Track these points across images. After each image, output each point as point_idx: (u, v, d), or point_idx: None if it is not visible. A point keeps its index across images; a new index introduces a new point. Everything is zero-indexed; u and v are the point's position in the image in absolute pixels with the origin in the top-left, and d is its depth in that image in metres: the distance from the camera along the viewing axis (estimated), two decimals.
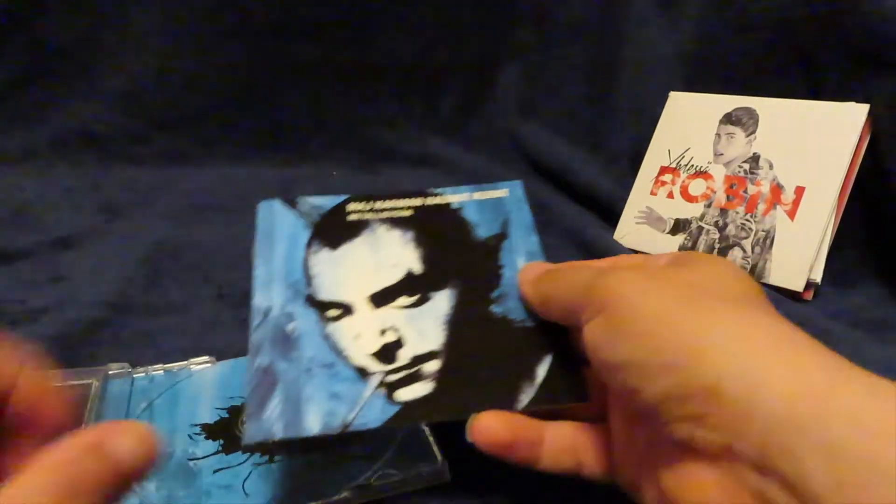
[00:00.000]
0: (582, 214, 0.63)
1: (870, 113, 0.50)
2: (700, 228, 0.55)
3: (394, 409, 0.30)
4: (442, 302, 0.34)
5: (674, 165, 0.58)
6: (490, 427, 0.29)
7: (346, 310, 0.34)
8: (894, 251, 0.51)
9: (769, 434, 0.20)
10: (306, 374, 0.31)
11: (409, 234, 0.37)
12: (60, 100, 0.73)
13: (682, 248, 0.55)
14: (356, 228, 0.38)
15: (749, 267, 0.51)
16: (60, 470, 0.22)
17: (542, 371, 0.31)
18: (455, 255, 0.36)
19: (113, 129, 0.74)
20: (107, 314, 0.46)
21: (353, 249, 0.37)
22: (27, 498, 0.20)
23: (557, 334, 0.32)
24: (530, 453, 0.30)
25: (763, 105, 0.55)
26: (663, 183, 0.58)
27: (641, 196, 0.59)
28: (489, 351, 0.32)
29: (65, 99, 0.73)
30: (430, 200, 0.39)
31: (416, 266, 0.36)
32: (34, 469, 0.21)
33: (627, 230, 0.59)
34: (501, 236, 0.37)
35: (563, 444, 0.30)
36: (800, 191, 0.51)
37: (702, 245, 0.54)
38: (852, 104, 0.51)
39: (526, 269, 0.34)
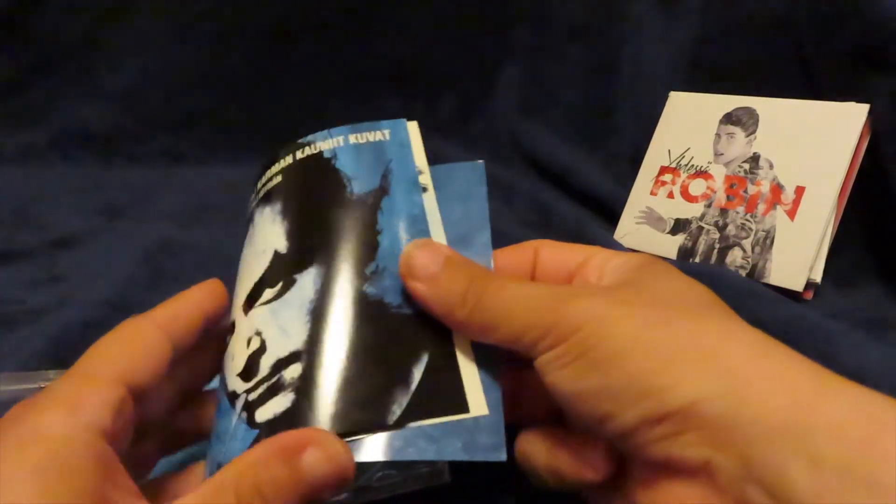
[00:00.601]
0: (582, 214, 0.63)
1: (870, 113, 0.50)
2: (700, 228, 0.55)
3: (253, 435, 0.25)
4: (307, 285, 0.28)
5: (674, 165, 0.58)
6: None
7: (232, 328, 0.29)
8: (894, 251, 0.51)
9: (752, 447, 0.20)
10: (212, 424, 0.28)
11: (277, 206, 0.31)
12: (60, 100, 0.73)
13: (682, 248, 0.55)
14: (248, 225, 0.32)
15: (749, 267, 0.51)
16: (249, 471, 0.22)
17: (417, 373, 0.26)
18: (324, 221, 0.29)
19: (113, 129, 0.74)
20: (107, 314, 0.46)
21: (244, 253, 0.31)
22: (212, 496, 0.22)
23: (438, 325, 0.27)
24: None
25: (763, 105, 0.55)
26: (663, 183, 0.58)
27: (641, 196, 0.59)
28: (359, 346, 0.26)
29: (65, 99, 0.73)
30: (301, 153, 0.31)
31: (281, 244, 0.29)
32: (225, 468, 0.23)
33: (628, 230, 0.59)
34: (380, 192, 0.30)
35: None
36: (800, 191, 0.51)
37: (702, 245, 0.54)
38: (852, 104, 0.51)
39: (415, 254, 0.28)
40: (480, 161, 0.33)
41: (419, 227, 0.29)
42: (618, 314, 0.24)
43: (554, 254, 0.31)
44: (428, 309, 0.27)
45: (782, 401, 0.20)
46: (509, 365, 0.28)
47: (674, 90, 0.61)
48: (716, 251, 0.53)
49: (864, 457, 0.19)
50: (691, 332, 0.23)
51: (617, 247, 0.57)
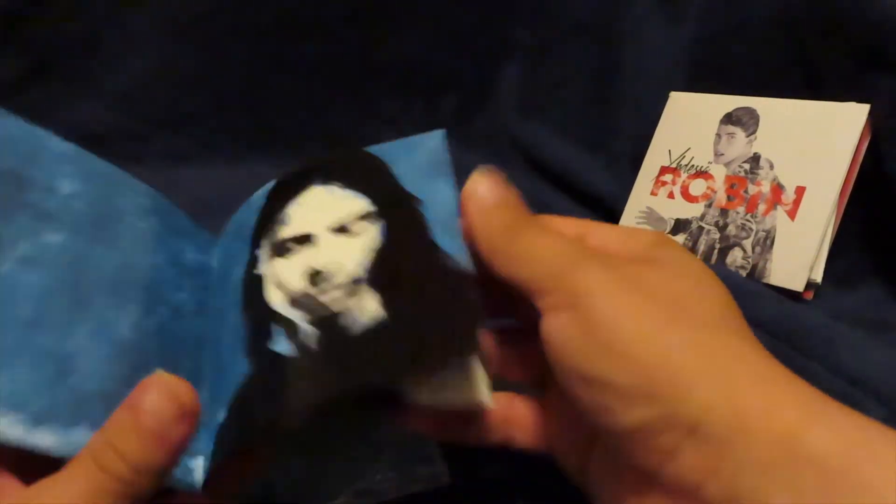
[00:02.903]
0: (582, 215, 0.63)
1: (870, 113, 0.50)
2: (701, 228, 0.55)
3: None
4: None
5: (674, 165, 0.58)
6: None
7: None
8: (895, 251, 0.51)
9: (741, 476, 0.20)
10: None
11: None
12: (60, 100, 0.73)
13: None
14: None
15: (749, 267, 0.51)
16: (100, 431, 0.23)
17: None
18: None
19: (113, 129, 0.74)
20: None
21: None
22: (74, 467, 0.23)
23: None
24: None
25: (763, 105, 0.55)
26: (664, 183, 0.58)
27: (642, 196, 0.59)
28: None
29: (65, 99, 0.73)
30: None
31: None
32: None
33: None
34: None
35: (495, 417, 0.29)
36: (800, 191, 0.51)
37: (702, 245, 0.54)
38: (852, 104, 0.51)
39: (480, 181, 0.28)
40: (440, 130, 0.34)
41: None
42: (629, 301, 0.23)
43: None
44: (473, 230, 0.27)
45: (774, 432, 0.20)
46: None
47: (674, 90, 0.61)
48: (716, 251, 0.53)
49: (843, 487, 0.19)
50: (702, 344, 0.22)
51: None
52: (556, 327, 0.24)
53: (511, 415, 0.29)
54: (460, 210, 0.28)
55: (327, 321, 0.28)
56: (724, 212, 0.54)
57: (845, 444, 0.20)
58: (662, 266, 0.25)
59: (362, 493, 0.30)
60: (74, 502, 0.22)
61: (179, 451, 0.23)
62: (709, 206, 0.55)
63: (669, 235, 0.29)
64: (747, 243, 0.52)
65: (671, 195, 0.57)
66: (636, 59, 0.67)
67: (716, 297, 0.25)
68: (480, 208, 0.27)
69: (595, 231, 0.28)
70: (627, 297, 0.23)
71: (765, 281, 0.50)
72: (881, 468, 0.19)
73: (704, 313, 0.24)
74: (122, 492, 0.22)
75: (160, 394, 0.23)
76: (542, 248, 0.25)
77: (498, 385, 0.29)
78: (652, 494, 0.23)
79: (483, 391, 0.28)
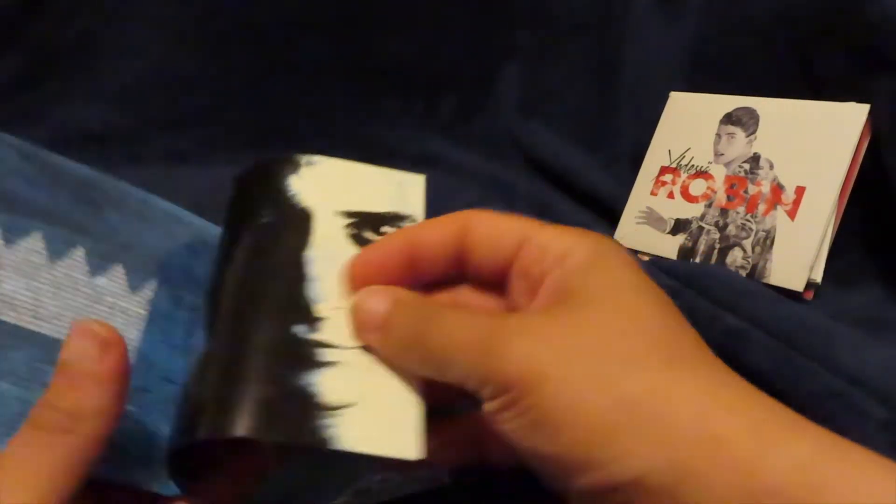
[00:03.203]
0: (582, 214, 0.63)
1: (870, 113, 0.50)
2: (700, 228, 0.55)
3: None
4: None
5: (674, 165, 0.58)
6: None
7: None
8: (895, 251, 0.51)
9: None
10: None
11: None
12: (60, 100, 0.73)
13: (682, 248, 0.55)
14: None
15: (749, 267, 0.51)
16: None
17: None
18: None
19: (113, 129, 0.74)
20: None
21: None
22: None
23: None
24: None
25: (763, 105, 0.55)
26: (664, 183, 0.58)
27: (642, 196, 0.59)
28: None
29: (65, 99, 0.73)
30: None
31: None
32: None
33: (628, 230, 0.59)
34: None
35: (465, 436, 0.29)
36: (800, 191, 0.51)
37: (702, 245, 0.54)
38: (852, 104, 0.51)
39: (363, 302, 0.26)
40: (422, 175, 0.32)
41: None
42: (556, 371, 0.23)
43: (487, 232, 0.28)
44: (381, 351, 0.26)
45: (725, 470, 0.21)
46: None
47: (674, 90, 0.61)
48: (716, 251, 0.53)
49: None
50: (635, 394, 0.22)
51: None
52: (496, 416, 0.24)
53: (480, 433, 0.28)
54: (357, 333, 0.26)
55: None
56: (724, 212, 0.54)
57: (803, 477, 0.20)
58: (591, 302, 0.25)
59: (362, 493, 0.30)
60: (22, 469, 0.22)
61: (115, 384, 0.23)
62: (709, 206, 0.55)
63: (609, 238, 0.28)
64: (747, 243, 0.52)
65: (671, 195, 0.57)
66: (636, 59, 0.67)
67: (646, 328, 0.24)
68: (375, 327, 0.26)
69: (536, 235, 0.27)
70: (551, 369, 0.23)
71: (765, 281, 0.50)
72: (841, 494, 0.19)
73: (636, 353, 0.23)
74: (67, 443, 0.22)
75: (76, 337, 0.23)
76: (458, 338, 0.24)
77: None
78: None
79: (411, 443, 0.25)
